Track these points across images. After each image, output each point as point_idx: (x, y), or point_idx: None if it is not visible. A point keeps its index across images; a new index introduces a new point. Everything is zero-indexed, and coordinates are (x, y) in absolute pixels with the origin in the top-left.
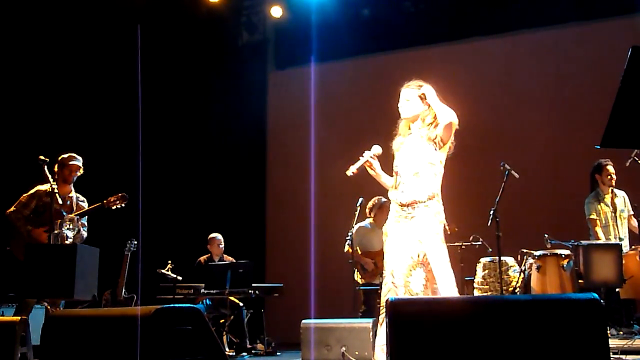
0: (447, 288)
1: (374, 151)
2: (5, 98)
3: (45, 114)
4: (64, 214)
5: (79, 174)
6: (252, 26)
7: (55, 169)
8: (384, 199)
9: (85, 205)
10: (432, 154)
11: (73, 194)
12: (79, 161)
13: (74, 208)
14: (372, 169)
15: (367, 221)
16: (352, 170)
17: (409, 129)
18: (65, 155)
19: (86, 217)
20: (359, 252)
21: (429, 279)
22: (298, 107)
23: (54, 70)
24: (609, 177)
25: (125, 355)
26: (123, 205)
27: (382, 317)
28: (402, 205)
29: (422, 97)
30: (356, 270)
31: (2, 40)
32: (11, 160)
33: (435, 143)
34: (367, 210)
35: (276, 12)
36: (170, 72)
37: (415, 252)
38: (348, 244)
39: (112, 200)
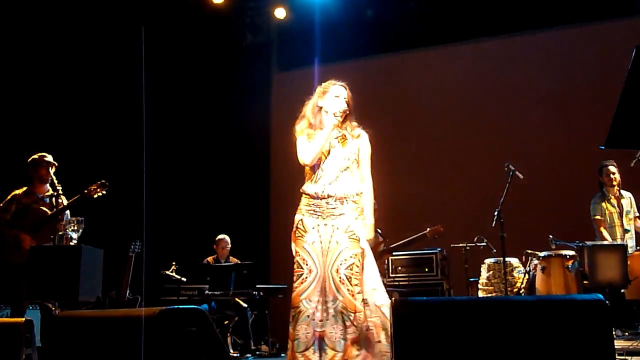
0: (382, 288)
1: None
2: (7, 99)
3: (49, 116)
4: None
5: (53, 170)
6: (255, 27)
7: (30, 171)
8: None
9: (63, 200)
10: (355, 154)
11: (51, 192)
12: (50, 157)
13: (54, 205)
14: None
15: None
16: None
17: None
18: (36, 156)
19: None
20: None
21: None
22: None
23: (60, 72)
24: (609, 177)
25: (129, 356)
26: (104, 192)
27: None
28: (329, 197)
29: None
30: None
31: (4, 42)
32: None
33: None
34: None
35: (280, 13)
36: (174, 73)
37: (358, 252)
38: None
39: (92, 188)
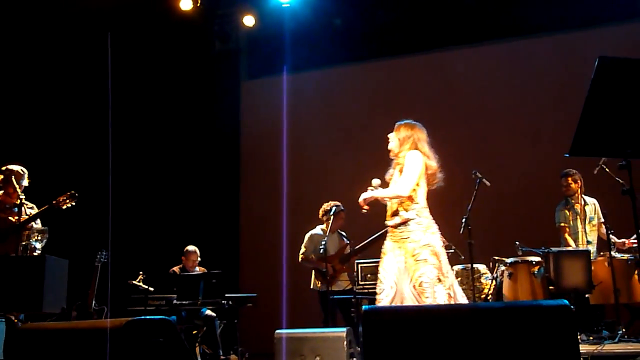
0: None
1: (374, 184)
2: None
3: (13, 122)
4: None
5: (27, 182)
6: (224, 35)
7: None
8: (340, 207)
9: (34, 211)
10: None
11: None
12: (25, 172)
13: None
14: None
15: (319, 227)
16: (364, 209)
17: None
18: (14, 169)
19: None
20: (314, 259)
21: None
22: (271, 116)
23: (24, 78)
24: (563, 186)
25: None
26: (73, 204)
27: None
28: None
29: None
30: (313, 276)
31: None
32: None
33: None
34: (320, 215)
35: (248, 21)
36: (141, 81)
37: (425, 272)
38: (302, 253)
39: (61, 199)
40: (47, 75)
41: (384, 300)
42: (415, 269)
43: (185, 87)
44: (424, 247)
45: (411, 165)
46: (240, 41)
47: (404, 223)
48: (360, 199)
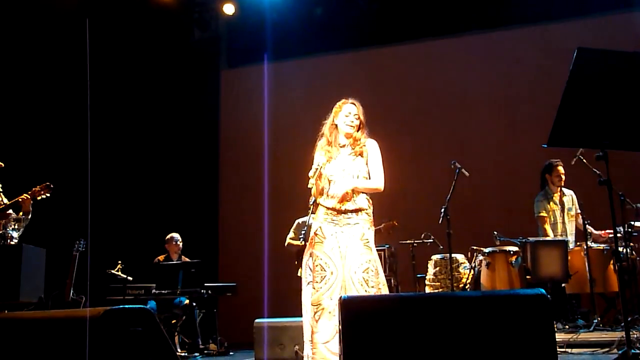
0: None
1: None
2: None
3: None
4: None
5: None
6: (204, 23)
7: None
8: None
9: (3, 199)
10: (366, 169)
11: None
12: None
13: None
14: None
15: (310, 217)
16: (311, 183)
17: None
18: None
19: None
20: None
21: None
22: (251, 105)
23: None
24: (559, 177)
25: (73, 359)
26: (48, 195)
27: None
28: (346, 211)
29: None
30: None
31: None
32: None
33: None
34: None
35: (228, 9)
36: (120, 69)
37: (372, 258)
38: (290, 238)
39: (36, 190)
40: (25, 64)
41: (323, 287)
42: (362, 252)
43: (164, 76)
44: (371, 235)
45: (379, 155)
46: (220, 29)
47: (357, 211)
48: (341, 192)
